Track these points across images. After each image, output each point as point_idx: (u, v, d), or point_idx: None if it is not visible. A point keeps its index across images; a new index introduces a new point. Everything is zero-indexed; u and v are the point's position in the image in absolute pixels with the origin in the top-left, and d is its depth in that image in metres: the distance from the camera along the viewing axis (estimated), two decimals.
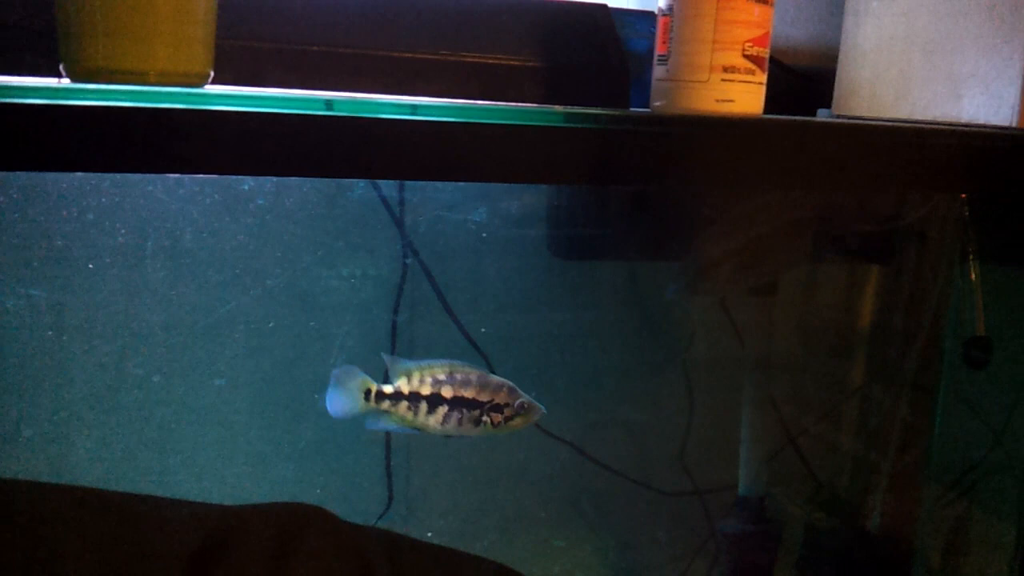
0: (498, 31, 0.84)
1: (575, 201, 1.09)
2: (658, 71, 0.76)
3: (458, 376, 0.89)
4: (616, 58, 0.86)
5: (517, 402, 0.90)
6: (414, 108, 0.65)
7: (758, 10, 0.72)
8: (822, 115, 1.11)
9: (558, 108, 0.68)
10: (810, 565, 1.17)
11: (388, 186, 1.03)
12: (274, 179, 0.99)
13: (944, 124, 0.88)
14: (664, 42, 0.74)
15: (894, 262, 1.07)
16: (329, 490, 1.10)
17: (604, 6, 0.90)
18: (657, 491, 1.12)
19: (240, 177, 0.98)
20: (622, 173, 0.72)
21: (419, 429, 0.89)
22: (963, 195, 1.03)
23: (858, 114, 1.02)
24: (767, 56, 0.74)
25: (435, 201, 1.06)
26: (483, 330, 1.10)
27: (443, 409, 0.88)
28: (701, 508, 1.15)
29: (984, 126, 0.83)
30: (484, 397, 0.89)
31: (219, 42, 0.66)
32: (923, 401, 1.09)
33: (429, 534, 1.12)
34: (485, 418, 0.88)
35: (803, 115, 1.11)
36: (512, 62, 0.83)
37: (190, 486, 1.04)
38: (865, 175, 0.77)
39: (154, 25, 0.60)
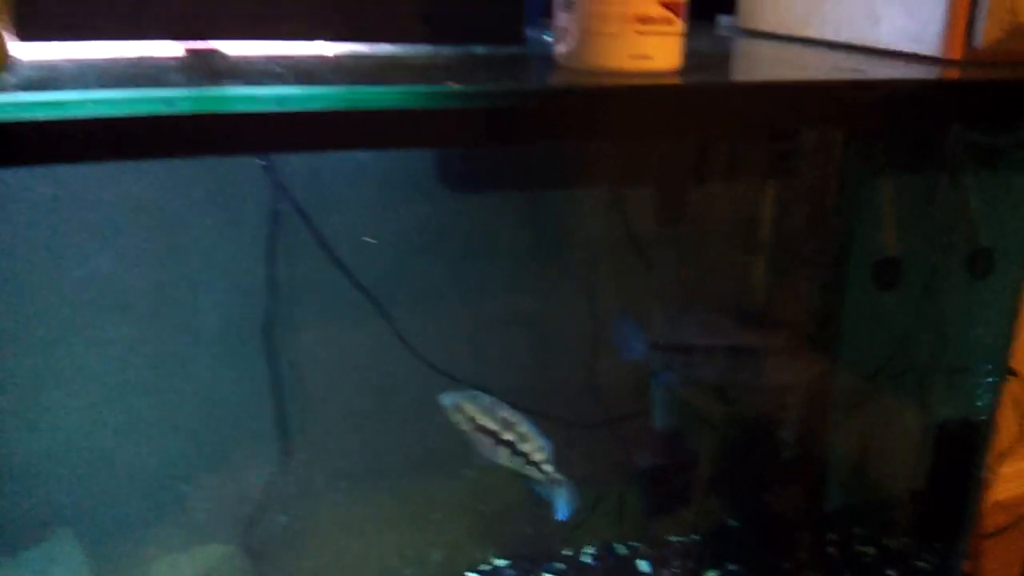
0: None
1: None
2: (561, 18, 0.65)
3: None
4: None
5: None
6: (280, 100, 0.54)
7: None
8: (724, 22, 1.03)
9: (450, 87, 0.58)
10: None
11: None
12: None
13: (859, 46, 0.81)
14: None
15: (801, 182, 1.03)
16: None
17: None
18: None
19: None
20: (525, 137, 0.64)
21: None
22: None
23: (763, 28, 0.94)
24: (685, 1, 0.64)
25: None
26: (370, 273, 1.01)
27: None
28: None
29: (904, 54, 0.77)
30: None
31: None
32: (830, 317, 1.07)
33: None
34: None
35: (702, 20, 1.03)
36: None
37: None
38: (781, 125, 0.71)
39: None
